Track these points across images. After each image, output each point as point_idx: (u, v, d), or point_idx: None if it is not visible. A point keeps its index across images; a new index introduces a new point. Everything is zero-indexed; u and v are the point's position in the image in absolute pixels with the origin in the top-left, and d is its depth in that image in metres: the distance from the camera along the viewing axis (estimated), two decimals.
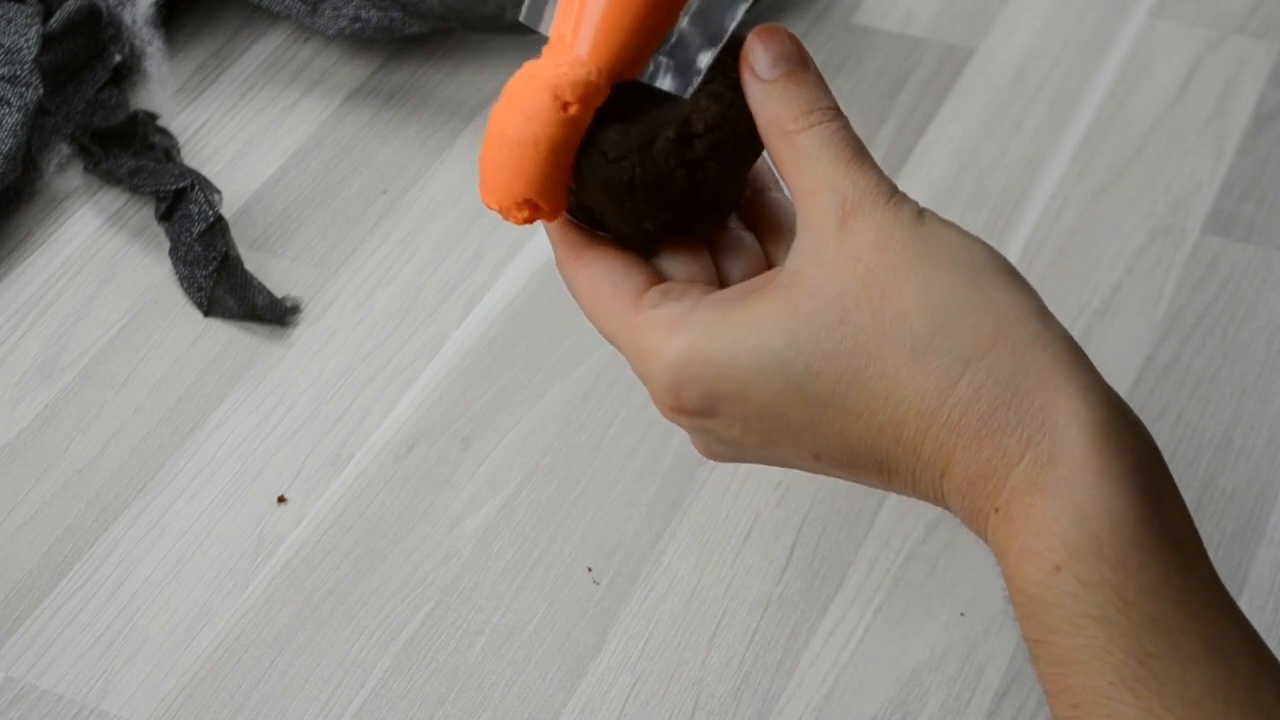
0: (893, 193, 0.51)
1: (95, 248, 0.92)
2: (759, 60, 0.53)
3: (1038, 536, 0.47)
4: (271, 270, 0.90)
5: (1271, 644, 0.73)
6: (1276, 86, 0.97)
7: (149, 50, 1.00)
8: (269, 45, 1.03)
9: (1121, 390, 0.82)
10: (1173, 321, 0.85)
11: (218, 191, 0.92)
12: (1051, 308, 0.86)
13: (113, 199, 0.95)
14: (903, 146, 0.94)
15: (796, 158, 0.52)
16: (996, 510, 0.48)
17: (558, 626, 0.75)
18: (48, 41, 0.96)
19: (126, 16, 1.00)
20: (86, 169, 0.95)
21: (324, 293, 0.89)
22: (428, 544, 0.78)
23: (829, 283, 0.50)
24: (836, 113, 0.53)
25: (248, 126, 0.98)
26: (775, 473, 0.80)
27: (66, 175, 0.96)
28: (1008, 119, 0.96)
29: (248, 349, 0.87)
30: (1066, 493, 0.47)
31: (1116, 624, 0.46)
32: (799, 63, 0.53)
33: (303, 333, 0.88)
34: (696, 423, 0.53)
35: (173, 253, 0.90)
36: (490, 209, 0.55)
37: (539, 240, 0.91)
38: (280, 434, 0.83)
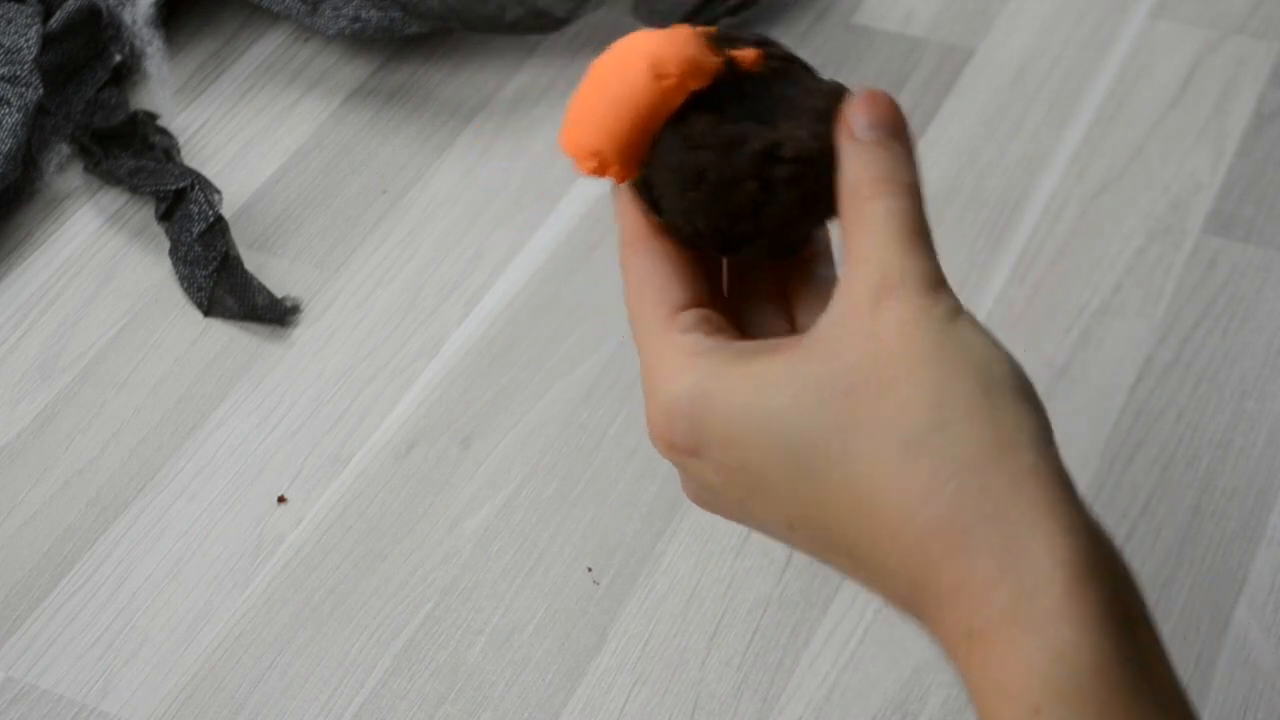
0: (937, 283, 0.51)
1: (95, 248, 0.92)
2: (857, 120, 0.53)
3: (1016, 674, 0.46)
4: (271, 270, 0.90)
5: (1271, 643, 0.73)
6: (1276, 86, 0.97)
7: (149, 50, 1.00)
8: (269, 45, 1.03)
9: (1121, 390, 0.82)
10: (1173, 321, 0.85)
11: (218, 191, 0.92)
12: (1051, 308, 0.86)
13: (113, 199, 0.95)
14: None
15: (859, 223, 0.52)
16: (971, 634, 0.47)
17: (558, 626, 0.75)
18: (48, 41, 0.96)
19: (126, 16, 1.00)
20: (86, 169, 0.95)
21: (324, 293, 0.89)
22: (428, 544, 0.78)
23: (845, 353, 0.50)
24: (912, 190, 0.52)
25: (248, 126, 0.98)
26: None
27: (66, 175, 0.96)
28: (1008, 119, 0.96)
29: (248, 349, 0.87)
30: (1048, 631, 0.46)
31: None
32: (893, 132, 0.53)
33: (303, 333, 0.88)
34: (680, 459, 0.53)
35: (173, 253, 0.90)
36: (565, 153, 0.55)
37: (539, 240, 0.91)
38: (280, 434, 0.83)
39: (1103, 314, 0.86)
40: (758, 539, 0.78)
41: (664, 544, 0.78)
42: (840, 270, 0.53)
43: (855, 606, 0.75)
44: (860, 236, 0.51)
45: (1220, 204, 0.91)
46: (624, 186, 0.56)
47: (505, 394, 0.84)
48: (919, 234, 0.51)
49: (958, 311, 0.50)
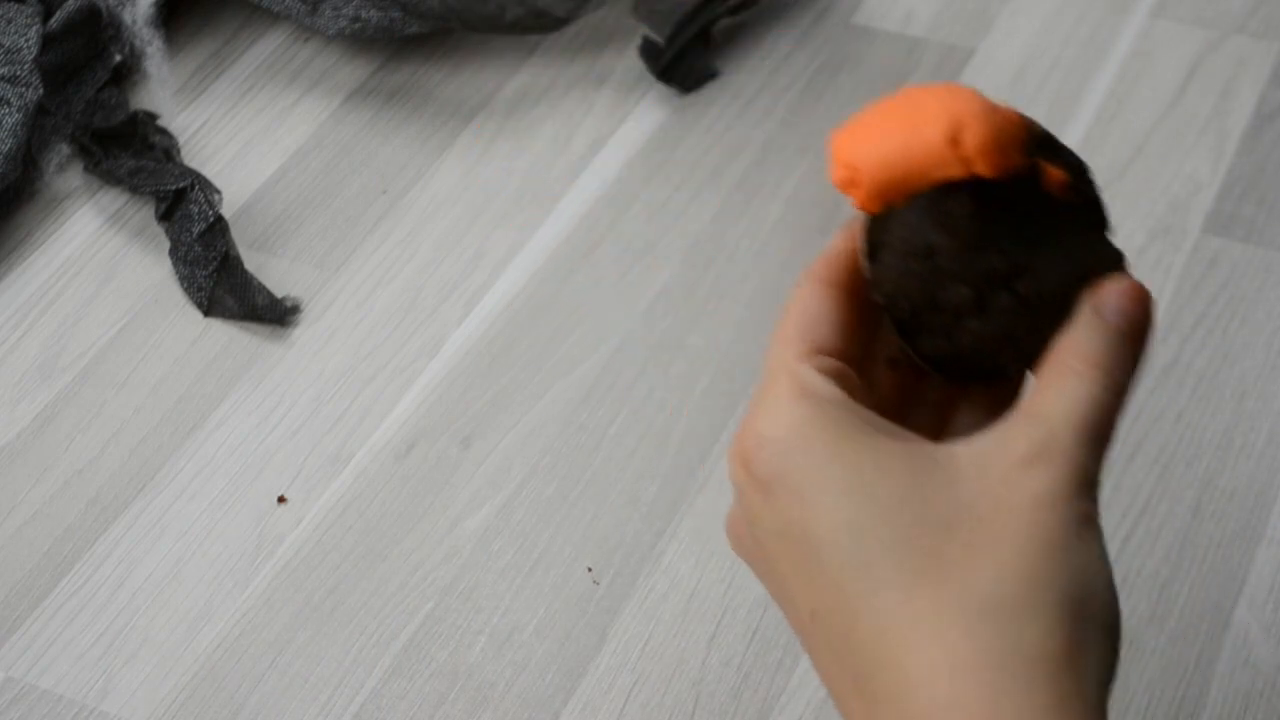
0: (1090, 485, 0.49)
1: (95, 248, 0.92)
2: (1110, 299, 0.51)
3: None
4: (271, 270, 0.90)
5: (1271, 643, 0.73)
6: (1276, 86, 0.97)
7: (149, 50, 1.00)
8: (269, 45, 1.03)
9: None
10: (1173, 321, 0.85)
11: (218, 191, 0.92)
12: None
13: (113, 199, 0.95)
14: None
15: (1056, 387, 0.49)
16: None
17: (558, 626, 0.75)
18: (48, 41, 0.96)
19: (126, 16, 1.00)
20: (86, 169, 0.95)
21: (324, 293, 0.89)
22: (428, 544, 0.78)
23: (968, 488, 0.48)
24: (1120, 392, 0.50)
25: (248, 126, 0.98)
26: None
27: (66, 175, 0.96)
28: None
29: (248, 349, 0.87)
30: None
31: None
32: (1135, 332, 0.51)
33: (303, 333, 0.88)
34: (749, 491, 0.50)
35: (173, 253, 0.90)
36: (830, 147, 0.52)
37: (539, 240, 0.91)
38: (280, 434, 0.83)
39: None
40: None
41: (664, 544, 0.78)
42: (1016, 412, 0.50)
43: None
44: (1049, 398, 0.49)
45: (1220, 204, 0.91)
46: (859, 216, 0.53)
47: (505, 394, 0.84)
48: (1102, 435, 0.49)
49: (1093, 521, 0.48)
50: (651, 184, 0.94)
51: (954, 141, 0.50)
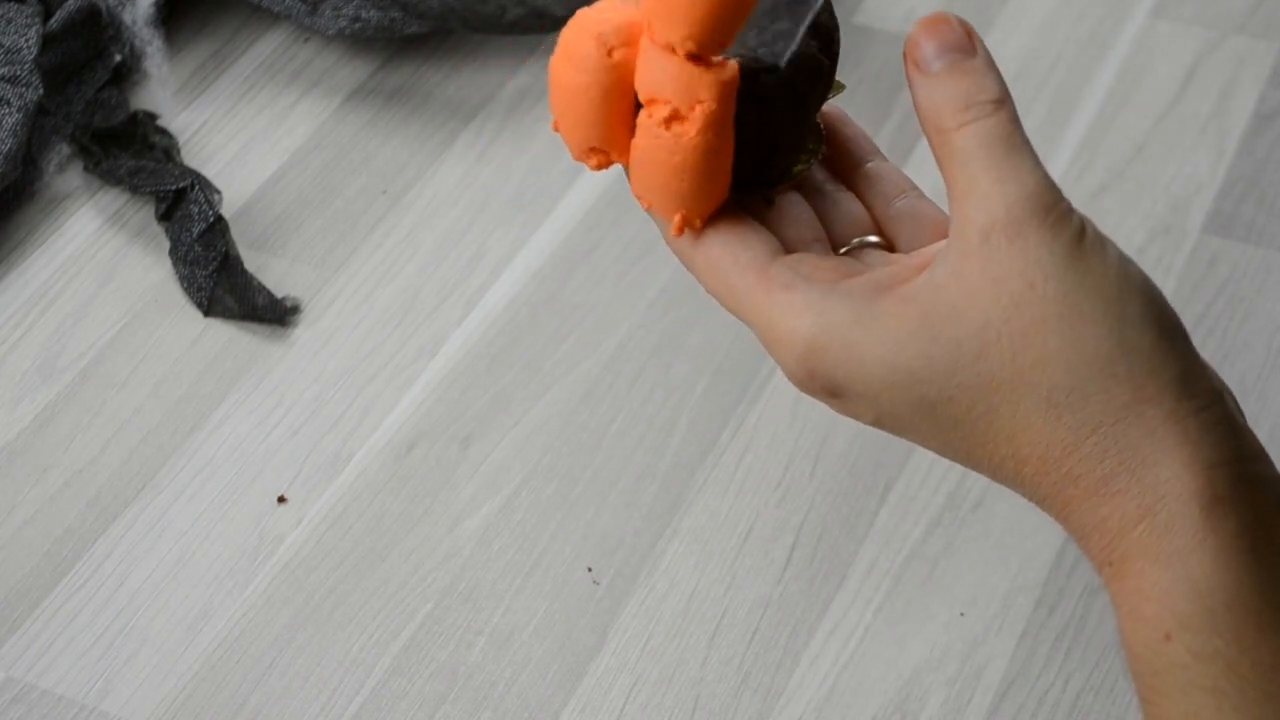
0: (1050, 208, 0.48)
1: (95, 248, 0.92)
2: (924, 52, 0.51)
3: (1148, 603, 0.47)
4: (271, 270, 0.90)
5: None
6: (1276, 86, 0.97)
7: (149, 50, 1.00)
8: (269, 45, 1.03)
9: None
10: None
11: (218, 191, 0.92)
12: None
13: (113, 199, 0.95)
14: (903, 146, 0.94)
15: (951, 158, 0.50)
16: (1110, 564, 0.48)
17: (558, 626, 0.75)
18: (48, 41, 0.96)
19: (126, 16, 1.00)
20: (86, 169, 0.95)
21: (324, 293, 0.89)
22: (428, 544, 0.78)
23: (971, 309, 0.48)
24: (998, 105, 0.50)
25: (248, 126, 0.98)
26: (775, 472, 0.80)
27: (66, 175, 0.96)
28: None
29: (248, 349, 0.87)
30: (1180, 565, 0.47)
31: (1228, 696, 0.46)
32: (964, 52, 0.50)
33: (303, 333, 0.88)
34: (825, 400, 0.52)
35: (173, 253, 0.90)
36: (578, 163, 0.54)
37: (539, 240, 0.91)
38: (280, 434, 0.83)
39: None
40: (757, 539, 0.78)
41: (664, 544, 0.78)
42: (946, 207, 0.51)
43: (855, 607, 0.75)
44: (954, 172, 0.50)
45: (1220, 204, 0.91)
46: None
47: (505, 394, 0.84)
48: (1013, 152, 0.49)
49: (1080, 237, 0.49)
50: None
51: (610, 49, 0.51)
